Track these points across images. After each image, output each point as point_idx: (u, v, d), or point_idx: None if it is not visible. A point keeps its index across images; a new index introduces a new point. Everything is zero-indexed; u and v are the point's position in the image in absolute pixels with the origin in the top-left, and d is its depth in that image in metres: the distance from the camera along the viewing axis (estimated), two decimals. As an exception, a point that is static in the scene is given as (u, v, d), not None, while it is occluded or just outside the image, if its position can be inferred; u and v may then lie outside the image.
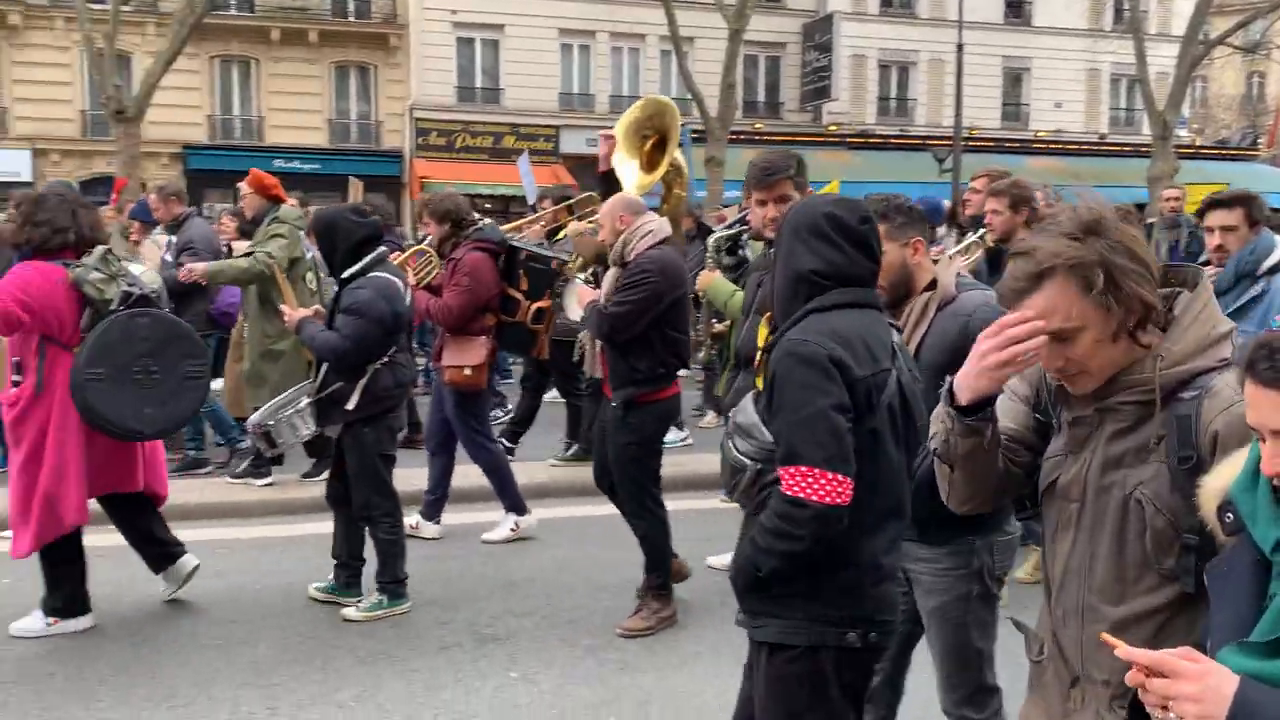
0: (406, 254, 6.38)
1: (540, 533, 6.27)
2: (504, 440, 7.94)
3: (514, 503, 6.26)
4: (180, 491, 6.88)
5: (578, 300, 5.26)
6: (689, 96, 21.20)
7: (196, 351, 5.00)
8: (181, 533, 6.19)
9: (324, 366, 5.02)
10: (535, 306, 6.17)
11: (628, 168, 5.43)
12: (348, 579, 5.19)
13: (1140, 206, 12.63)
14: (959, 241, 6.20)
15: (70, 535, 4.75)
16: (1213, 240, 4.61)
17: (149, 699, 4.15)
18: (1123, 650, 1.55)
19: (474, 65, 27.34)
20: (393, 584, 5.06)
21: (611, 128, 5.70)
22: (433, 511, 6.30)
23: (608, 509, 5.19)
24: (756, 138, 25.82)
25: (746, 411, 2.58)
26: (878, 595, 2.52)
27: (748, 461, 2.52)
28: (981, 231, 5.64)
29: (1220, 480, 1.65)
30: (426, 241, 6.42)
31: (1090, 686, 1.94)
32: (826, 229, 2.52)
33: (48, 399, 4.61)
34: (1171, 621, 1.86)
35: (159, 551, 5.16)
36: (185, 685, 4.27)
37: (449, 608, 5.15)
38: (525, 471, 7.26)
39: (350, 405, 4.90)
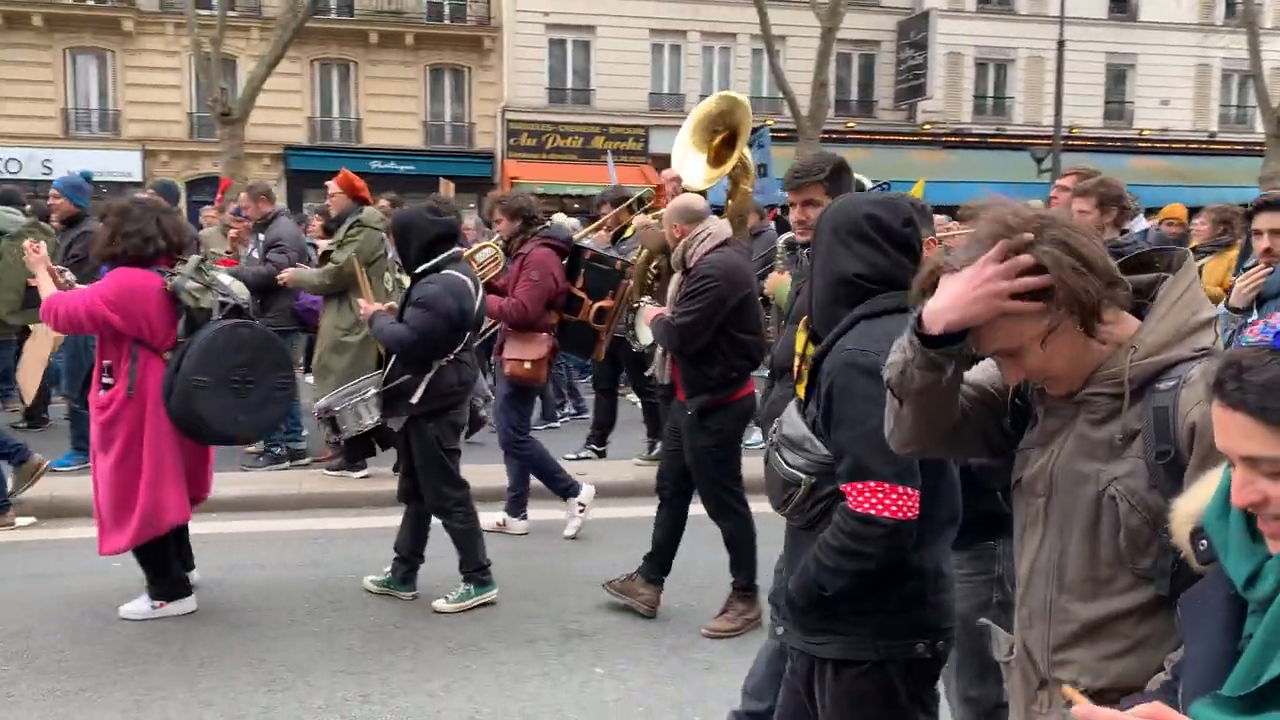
0: (474, 249, 6.50)
1: (625, 531, 6.29)
2: (592, 446, 8.01)
3: (564, 487, 6.32)
4: (278, 483, 7.14)
5: (645, 320, 5.28)
6: (780, 95, 21.06)
7: (286, 364, 5.21)
8: (279, 523, 6.42)
9: (392, 359, 5.13)
10: (597, 306, 6.21)
11: (695, 161, 5.46)
12: (405, 574, 5.27)
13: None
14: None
15: None
16: (1261, 243, 4.39)
17: (249, 683, 4.29)
18: (1083, 709, 1.45)
19: (565, 66, 27.60)
20: (476, 571, 5.14)
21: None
22: (517, 508, 6.39)
23: (695, 509, 5.19)
24: (849, 136, 25.56)
25: (795, 423, 2.50)
26: (939, 603, 2.48)
27: (801, 475, 2.44)
28: None
29: (1193, 504, 1.53)
30: (495, 238, 6.54)
31: (1058, 689, 1.85)
32: (868, 230, 2.45)
33: (139, 402, 4.71)
34: (1149, 621, 1.77)
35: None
36: (284, 670, 4.41)
37: (536, 602, 5.22)
38: (611, 471, 7.33)
39: (414, 399, 4.98)
